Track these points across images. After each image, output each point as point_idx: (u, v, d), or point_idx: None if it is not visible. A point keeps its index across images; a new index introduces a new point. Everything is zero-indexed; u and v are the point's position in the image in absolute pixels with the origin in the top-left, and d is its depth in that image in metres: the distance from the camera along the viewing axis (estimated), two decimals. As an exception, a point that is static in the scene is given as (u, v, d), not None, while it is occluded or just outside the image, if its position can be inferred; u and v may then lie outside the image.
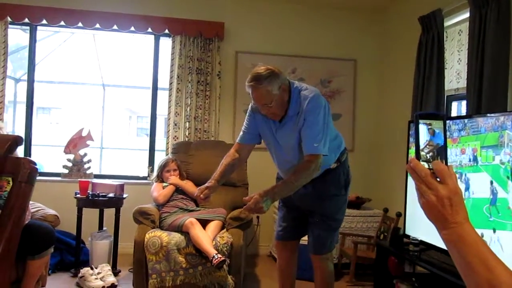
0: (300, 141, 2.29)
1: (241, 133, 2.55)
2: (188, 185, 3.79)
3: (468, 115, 2.92)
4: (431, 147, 0.86)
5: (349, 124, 4.82)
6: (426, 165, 0.85)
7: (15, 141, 2.12)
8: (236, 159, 2.52)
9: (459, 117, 3.03)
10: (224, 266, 3.16)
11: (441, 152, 0.86)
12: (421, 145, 0.86)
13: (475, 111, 2.95)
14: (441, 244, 2.75)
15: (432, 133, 0.86)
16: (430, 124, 0.86)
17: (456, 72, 3.63)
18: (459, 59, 3.60)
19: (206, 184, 2.40)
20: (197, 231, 3.16)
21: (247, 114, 2.54)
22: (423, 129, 0.86)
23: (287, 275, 2.70)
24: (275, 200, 2.27)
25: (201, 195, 2.35)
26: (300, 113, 2.26)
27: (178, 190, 3.71)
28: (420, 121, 0.86)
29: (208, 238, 3.15)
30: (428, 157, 0.86)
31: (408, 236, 3.13)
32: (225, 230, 3.36)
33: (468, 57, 3.12)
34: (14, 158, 2.08)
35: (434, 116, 0.88)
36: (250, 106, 2.50)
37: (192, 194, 3.77)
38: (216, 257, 2.99)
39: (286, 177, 2.34)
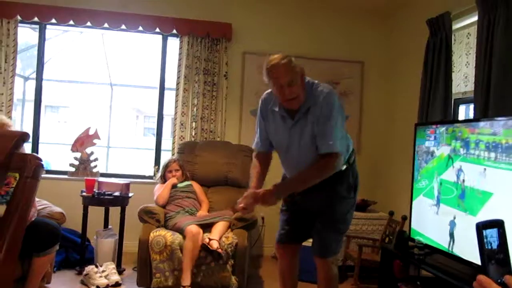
0: (313, 140, 2.26)
1: (258, 141, 2.50)
2: (196, 186, 3.84)
3: (476, 119, 2.91)
4: (501, 250, 0.85)
5: (355, 126, 4.81)
6: (497, 272, 0.83)
7: (22, 137, 2.14)
8: (263, 168, 2.49)
9: (466, 121, 3.02)
10: (228, 266, 3.16)
11: (507, 253, 0.85)
12: (494, 248, 0.85)
13: (482, 114, 2.93)
14: (446, 248, 2.74)
15: (503, 234, 0.86)
16: (500, 227, 0.86)
17: (463, 76, 3.61)
18: (467, 62, 3.58)
19: (245, 194, 2.30)
20: (189, 246, 3.11)
21: (257, 121, 2.49)
22: (494, 232, 0.85)
23: (288, 278, 2.67)
24: (286, 194, 2.32)
25: (241, 205, 2.26)
26: (313, 108, 2.24)
27: (183, 189, 3.72)
28: (485, 230, 0.85)
29: (192, 261, 3.11)
30: (500, 260, 0.84)
31: (413, 240, 3.11)
32: (230, 230, 3.36)
33: (476, 60, 3.10)
34: (21, 154, 2.10)
35: (494, 223, 0.87)
36: (259, 111, 2.46)
37: (197, 195, 3.78)
38: None
39: (300, 172, 2.30)
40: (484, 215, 2.45)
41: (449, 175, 2.82)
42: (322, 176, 2.25)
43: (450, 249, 2.75)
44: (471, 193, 2.59)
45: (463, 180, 2.67)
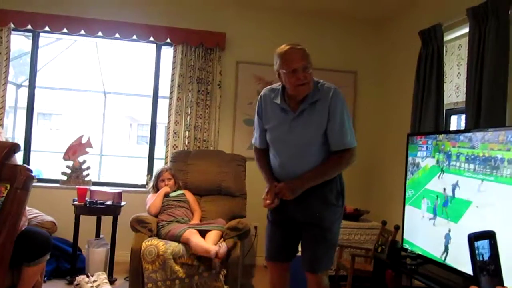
0: (316, 133, 2.29)
1: (258, 138, 2.54)
2: (188, 195, 3.82)
3: (467, 129, 2.94)
4: (492, 261, 0.86)
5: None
6: (489, 283, 0.84)
7: (12, 148, 2.13)
8: (267, 161, 2.52)
9: (458, 131, 3.05)
10: (221, 276, 3.15)
11: (499, 264, 0.86)
12: (486, 259, 0.85)
13: (474, 125, 2.95)
14: (439, 258, 2.75)
15: (494, 245, 0.87)
16: (491, 239, 0.86)
17: (455, 86, 3.65)
18: (459, 73, 3.62)
19: (266, 190, 2.38)
20: (196, 240, 3.16)
21: (255, 120, 2.53)
22: (485, 244, 0.86)
23: None
24: (303, 188, 2.30)
25: (268, 202, 2.33)
26: (321, 102, 2.29)
27: (175, 198, 3.71)
28: (477, 242, 0.86)
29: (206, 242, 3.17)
30: (491, 272, 0.85)
31: (405, 249, 3.12)
32: (222, 240, 3.35)
33: (467, 71, 3.14)
34: (11, 165, 2.09)
35: (485, 234, 0.87)
36: (256, 109, 2.50)
37: (190, 204, 3.76)
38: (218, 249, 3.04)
39: (316, 167, 2.31)
40: (466, 221, 2.53)
41: (434, 185, 2.88)
42: (339, 170, 2.34)
43: (436, 255, 2.76)
44: (454, 202, 2.65)
45: (448, 190, 2.72)
